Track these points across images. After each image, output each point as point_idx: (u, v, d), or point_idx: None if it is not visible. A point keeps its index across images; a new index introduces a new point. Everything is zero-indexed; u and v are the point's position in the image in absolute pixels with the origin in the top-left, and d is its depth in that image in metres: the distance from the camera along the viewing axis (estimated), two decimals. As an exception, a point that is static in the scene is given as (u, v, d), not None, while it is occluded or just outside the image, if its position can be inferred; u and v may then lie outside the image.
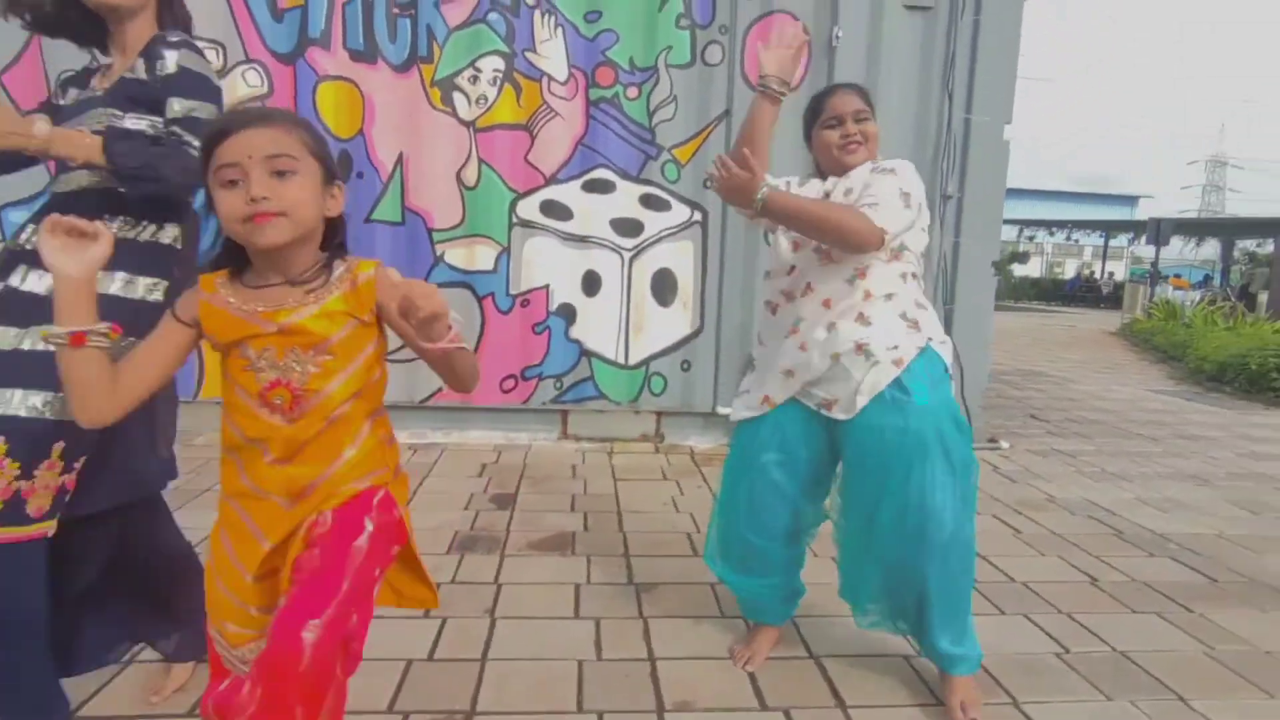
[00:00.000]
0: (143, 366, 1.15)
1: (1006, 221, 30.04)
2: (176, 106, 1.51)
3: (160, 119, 1.52)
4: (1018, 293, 27.59)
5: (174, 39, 1.55)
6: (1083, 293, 26.07)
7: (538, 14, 3.94)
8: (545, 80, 3.98)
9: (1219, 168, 57.08)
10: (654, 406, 4.24)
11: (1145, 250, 25.00)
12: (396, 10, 3.90)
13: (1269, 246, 23.04)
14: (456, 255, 4.05)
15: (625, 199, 4.08)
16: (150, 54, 1.53)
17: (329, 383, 1.16)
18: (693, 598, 2.33)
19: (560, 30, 3.96)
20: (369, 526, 1.17)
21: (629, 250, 4.12)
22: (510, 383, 4.15)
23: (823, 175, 1.93)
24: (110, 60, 1.63)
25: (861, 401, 1.69)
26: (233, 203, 1.09)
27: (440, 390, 4.10)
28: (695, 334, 4.19)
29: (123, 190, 1.48)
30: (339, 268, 1.20)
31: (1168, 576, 2.65)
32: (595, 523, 2.99)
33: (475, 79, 3.96)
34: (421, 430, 4.14)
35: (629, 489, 3.44)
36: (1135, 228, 24.14)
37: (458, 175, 4.01)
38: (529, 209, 4.06)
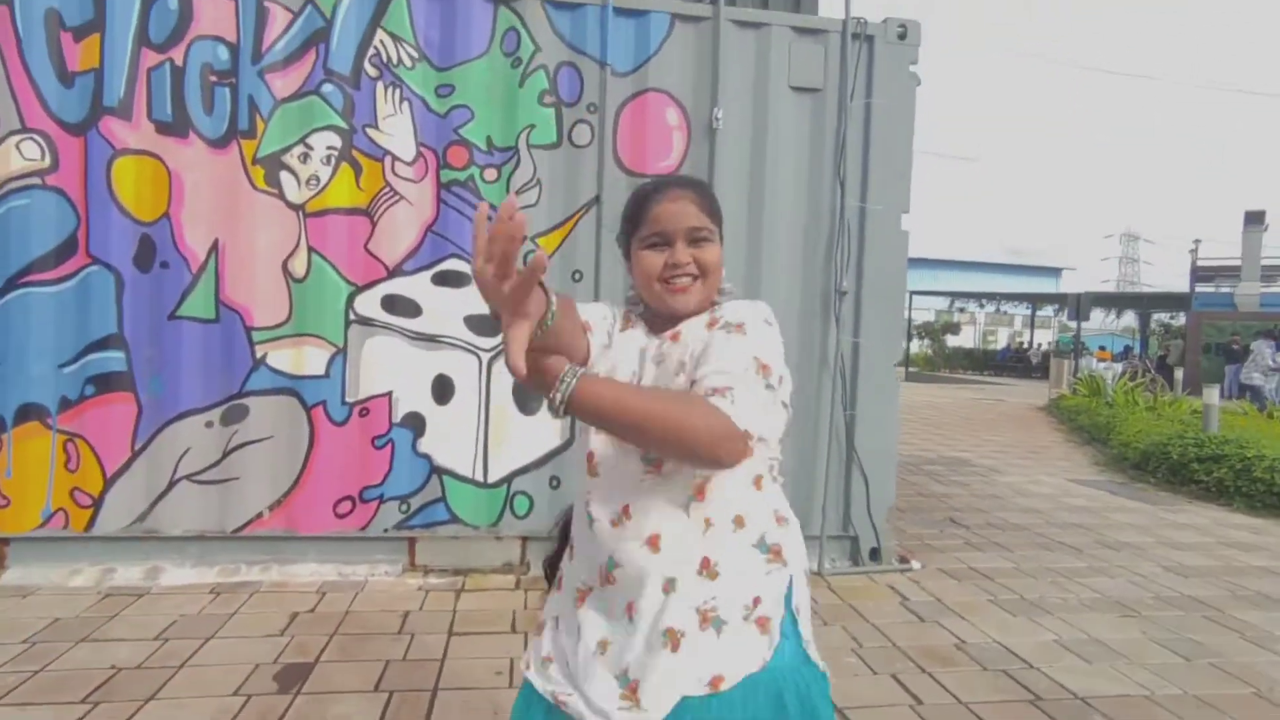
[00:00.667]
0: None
1: (937, 294, 30.89)
2: None
3: None
4: (951, 362, 28.09)
5: None
6: (1013, 362, 26.60)
7: (380, 86, 3.49)
8: (389, 160, 3.50)
9: (1132, 241, 60.68)
10: (518, 531, 3.65)
11: (1071, 320, 25.88)
12: (214, 78, 3.40)
13: (1182, 318, 23.97)
14: (281, 358, 3.46)
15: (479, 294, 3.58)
16: None
17: None
18: None
19: (407, 104, 3.51)
20: None
21: (488, 351, 3.59)
22: (346, 505, 3.53)
23: (642, 311, 1.32)
24: None
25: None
26: None
27: (259, 517, 3.45)
28: (565, 445, 3.65)
29: None
30: None
31: (1092, 776, 2.15)
32: (396, 712, 2.36)
33: (306, 157, 3.46)
34: (235, 564, 3.46)
35: (464, 647, 2.82)
36: (1059, 300, 24.90)
37: (284, 265, 3.46)
38: (369, 304, 3.52)
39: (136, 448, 3.38)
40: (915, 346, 27.21)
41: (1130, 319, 29.52)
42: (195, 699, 2.39)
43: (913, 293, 26.16)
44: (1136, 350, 24.95)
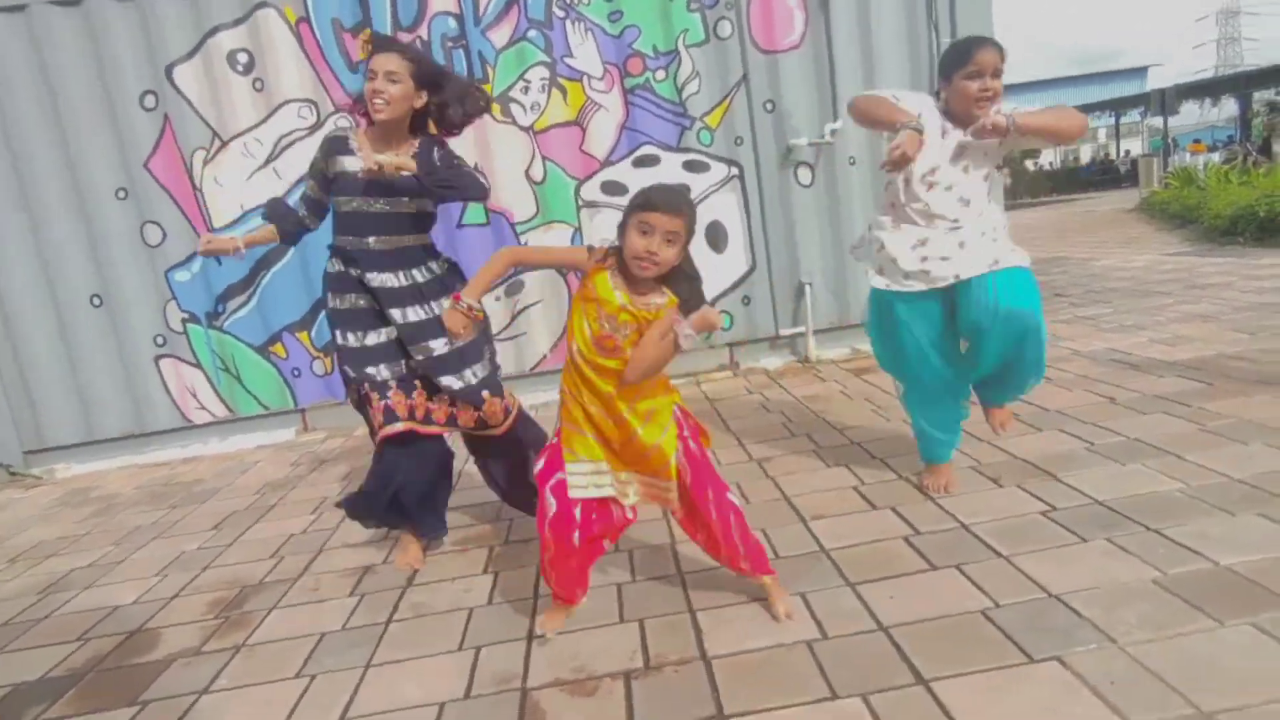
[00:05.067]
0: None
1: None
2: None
3: None
4: (1034, 188, 27.51)
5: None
6: (1099, 176, 25.92)
7: (568, 23, 4.58)
8: (585, 79, 4.63)
9: (1231, 18, 54.99)
10: (725, 340, 4.93)
11: (1157, 119, 24.76)
12: (450, 43, 4.57)
13: (1286, 93, 22.69)
14: (539, 241, 4.75)
15: (670, 168, 4.74)
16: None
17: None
18: (802, 459, 3.05)
19: (590, 34, 4.60)
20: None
21: (680, 211, 4.77)
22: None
23: (947, 114, 2.33)
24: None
25: None
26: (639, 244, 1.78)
27: (543, 359, 4.85)
28: (750, 271, 4.86)
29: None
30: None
31: (1173, 389, 3.29)
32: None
33: (526, 89, 4.63)
34: (534, 393, 4.89)
35: (723, 405, 4.15)
36: (1143, 101, 23.89)
37: (526, 174, 4.70)
38: (591, 191, 4.74)
39: (454, 323, 4.80)
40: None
41: (1232, 107, 27.80)
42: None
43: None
44: (1237, 137, 23.87)
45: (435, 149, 2.41)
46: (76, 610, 2.65)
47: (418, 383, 2.46)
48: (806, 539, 2.38)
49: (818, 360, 4.83)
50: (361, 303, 2.44)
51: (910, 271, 2.40)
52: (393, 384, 2.42)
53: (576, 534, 1.95)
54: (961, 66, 2.25)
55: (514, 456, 2.63)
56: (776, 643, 1.85)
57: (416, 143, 2.42)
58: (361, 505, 2.55)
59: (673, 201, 1.81)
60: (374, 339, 2.45)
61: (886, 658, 1.73)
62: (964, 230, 2.35)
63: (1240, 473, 2.38)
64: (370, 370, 2.43)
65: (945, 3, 4.66)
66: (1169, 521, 2.14)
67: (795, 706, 1.61)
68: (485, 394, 2.48)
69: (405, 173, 2.26)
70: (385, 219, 2.39)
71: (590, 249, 1.92)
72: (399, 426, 2.40)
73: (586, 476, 1.96)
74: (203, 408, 4.80)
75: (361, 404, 2.49)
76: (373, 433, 2.48)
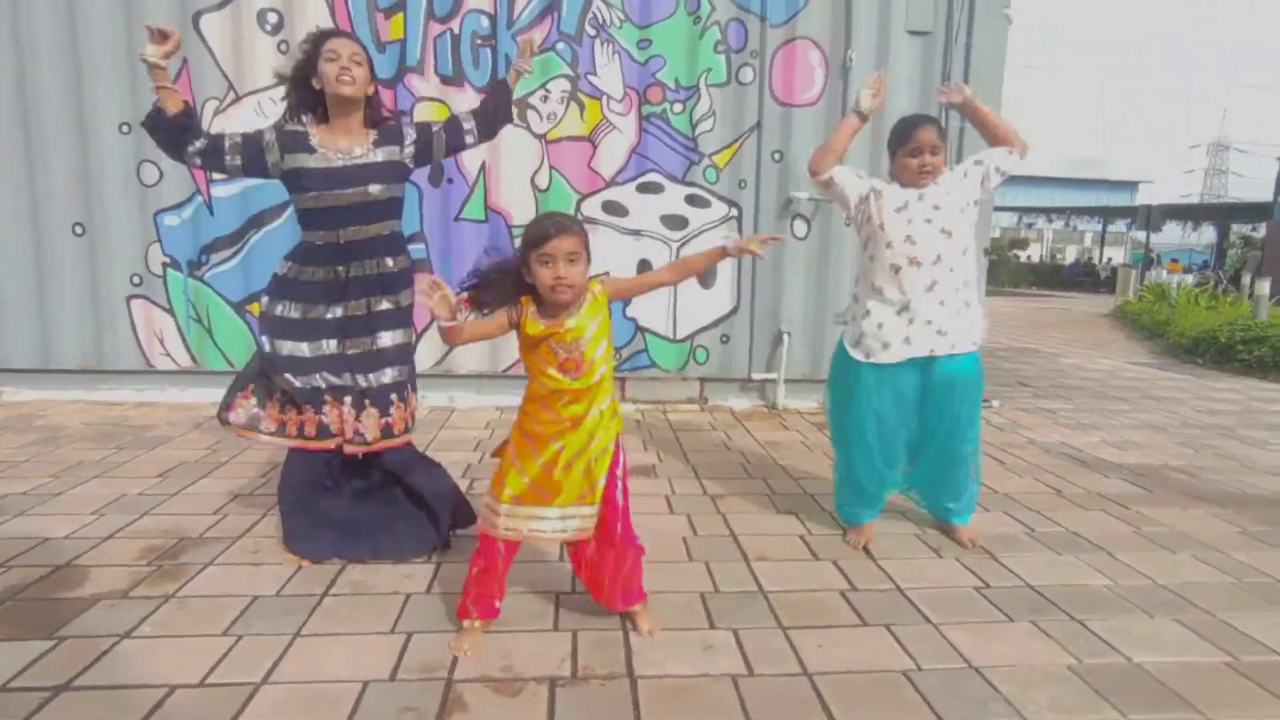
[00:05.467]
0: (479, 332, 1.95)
1: (1005, 209, 30.35)
2: None
3: None
4: (1017, 279, 28.28)
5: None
6: (1081, 278, 26.74)
7: (598, 43, 4.68)
8: (605, 99, 4.72)
9: (1222, 151, 57.36)
10: (698, 374, 5.00)
11: (1141, 233, 25.67)
12: (479, 41, 4.64)
13: (1264, 230, 23.71)
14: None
15: (672, 198, 4.83)
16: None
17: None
18: (754, 501, 3.10)
19: (617, 56, 4.70)
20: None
21: (676, 241, 4.87)
22: (576, 355, 4.91)
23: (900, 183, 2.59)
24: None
25: None
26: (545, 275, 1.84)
27: (518, 361, 4.87)
28: (732, 312, 4.94)
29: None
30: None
31: (1116, 490, 3.42)
32: (667, 456, 3.76)
33: (546, 98, 4.70)
34: (504, 395, 4.90)
35: (686, 437, 4.20)
36: (1131, 213, 24.80)
37: (531, 179, 4.76)
38: (592, 207, 4.81)
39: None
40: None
41: (1212, 234, 28.94)
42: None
43: (981, 209, 26.27)
44: (1211, 263, 24.83)
45: (402, 126, 2.48)
46: (3, 536, 2.60)
47: (328, 398, 2.42)
48: (747, 577, 2.43)
49: (784, 408, 4.91)
50: (296, 314, 2.42)
51: (889, 343, 2.54)
52: (326, 397, 2.43)
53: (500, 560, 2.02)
54: (904, 145, 2.51)
55: (421, 462, 2.65)
56: (703, 672, 1.89)
57: (375, 132, 2.42)
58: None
59: (561, 223, 1.88)
60: (311, 350, 2.42)
61: (807, 702, 1.78)
62: (940, 288, 2.52)
63: (1165, 579, 2.48)
64: (317, 380, 2.41)
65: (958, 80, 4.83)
66: (1093, 614, 2.23)
67: (712, 735, 1.65)
68: (397, 396, 2.49)
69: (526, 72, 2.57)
70: (357, 210, 2.37)
71: (506, 311, 1.95)
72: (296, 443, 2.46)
73: (522, 520, 1.98)
74: (167, 354, 4.73)
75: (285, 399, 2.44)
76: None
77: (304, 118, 2.42)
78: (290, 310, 2.41)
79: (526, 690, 1.80)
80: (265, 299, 2.45)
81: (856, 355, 2.61)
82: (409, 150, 2.46)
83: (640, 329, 4.92)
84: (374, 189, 2.38)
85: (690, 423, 4.55)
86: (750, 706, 1.75)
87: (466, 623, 2.02)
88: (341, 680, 1.81)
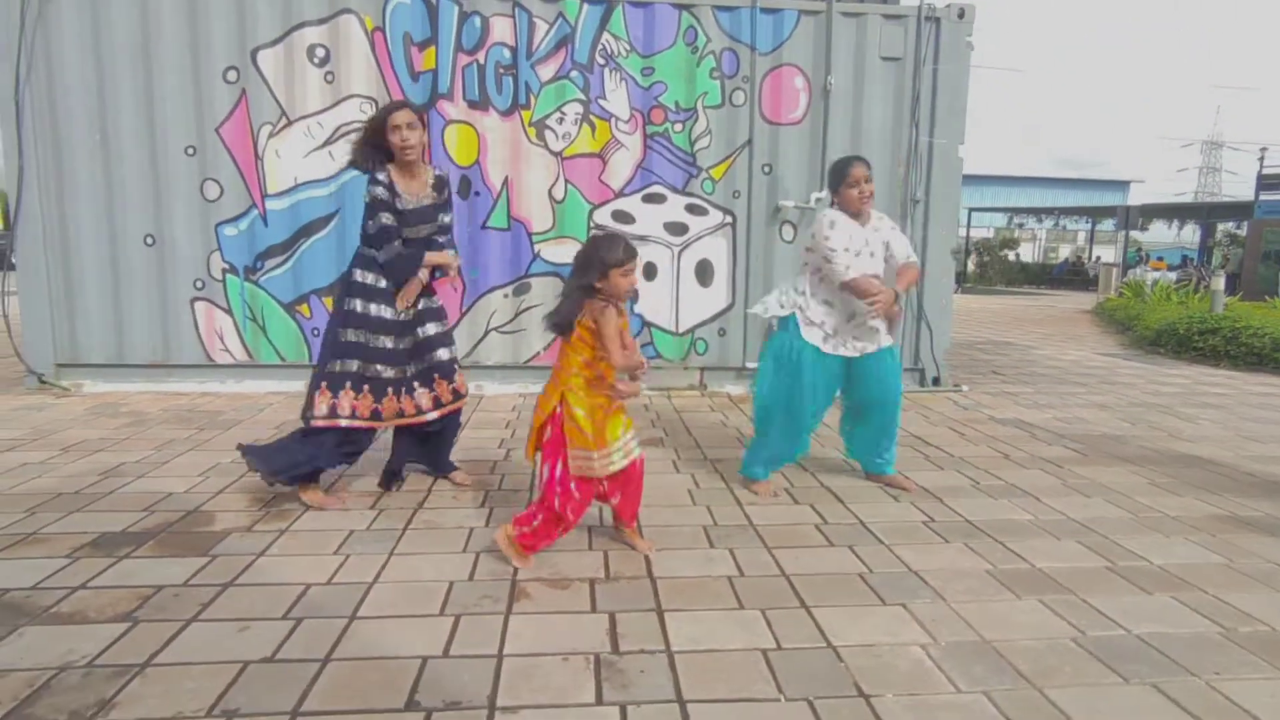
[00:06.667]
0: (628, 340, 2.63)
1: (995, 209, 30.71)
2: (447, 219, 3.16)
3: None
4: (1008, 277, 28.91)
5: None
6: (1070, 275, 27.38)
7: (607, 71, 5.29)
8: (613, 120, 5.33)
9: (1215, 149, 57.83)
10: (698, 364, 5.60)
11: (1140, 234, 26.26)
12: (502, 71, 5.24)
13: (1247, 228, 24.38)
14: (550, 252, 5.41)
15: (674, 207, 5.44)
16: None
17: None
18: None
19: (624, 83, 5.31)
20: None
21: (677, 245, 5.47)
22: (589, 347, 5.51)
23: (849, 213, 3.19)
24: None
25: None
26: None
27: (537, 355, 5.47)
28: (729, 308, 5.55)
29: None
30: None
31: (1055, 454, 4.02)
32: (672, 432, 4.36)
33: (561, 120, 5.31)
34: (526, 384, 5.50)
35: (688, 417, 4.80)
36: (1116, 213, 25.42)
37: (549, 192, 5.36)
38: (602, 216, 5.41)
39: (463, 309, 5.40)
40: (971, 264, 27.81)
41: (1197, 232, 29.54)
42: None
43: (971, 209, 26.91)
44: (1195, 260, 25.48)
45: (445, 187, 3.20)
46: (136, 492, 3.19)
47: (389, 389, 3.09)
48: (739, 515, 3.03)
49: (775, 393, 5.51)
50: (386, 314, 3.07)
51: (842, 338, 3.23)
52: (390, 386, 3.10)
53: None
54: (843, 180, 3.15)
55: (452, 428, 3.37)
56: (706, 574, 2.49)
57: (433, 172, 3.15)
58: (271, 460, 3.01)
59: (631, 249, 2.47)
60: (388, 342, 3.08)
61: (784, 592, 2.38)
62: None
63: (1076, 514, 3.09)
64: (379, 368, 3.06)
65: (927, 109, 5.46)
66: (1012, 538, 2.83)
67: (721, 614, 2.24)
68: (444, 373, 3.22)
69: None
70: (428, 241, 3.16)
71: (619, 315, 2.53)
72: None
73: (607, 458, 2.55)
74: (226, 350, 5.33)
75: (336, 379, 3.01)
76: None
77: (374, 172, 3.04)
78: (384, 311, 3.06)
79: (573, 586, 2.39)
80: (358, 302, 3.05)
81: (809, 337, 3.21)
82: (444, 196, 3.20)
83: (646, 323, 5.52)
84: (445, 218, 3.18)
85: (691, 405, 5.14)
86: (742, 595, 2.35)
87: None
88: (434, 580, 2.41)
